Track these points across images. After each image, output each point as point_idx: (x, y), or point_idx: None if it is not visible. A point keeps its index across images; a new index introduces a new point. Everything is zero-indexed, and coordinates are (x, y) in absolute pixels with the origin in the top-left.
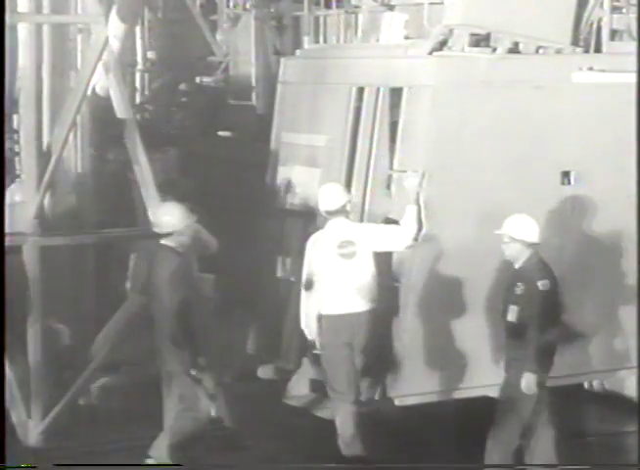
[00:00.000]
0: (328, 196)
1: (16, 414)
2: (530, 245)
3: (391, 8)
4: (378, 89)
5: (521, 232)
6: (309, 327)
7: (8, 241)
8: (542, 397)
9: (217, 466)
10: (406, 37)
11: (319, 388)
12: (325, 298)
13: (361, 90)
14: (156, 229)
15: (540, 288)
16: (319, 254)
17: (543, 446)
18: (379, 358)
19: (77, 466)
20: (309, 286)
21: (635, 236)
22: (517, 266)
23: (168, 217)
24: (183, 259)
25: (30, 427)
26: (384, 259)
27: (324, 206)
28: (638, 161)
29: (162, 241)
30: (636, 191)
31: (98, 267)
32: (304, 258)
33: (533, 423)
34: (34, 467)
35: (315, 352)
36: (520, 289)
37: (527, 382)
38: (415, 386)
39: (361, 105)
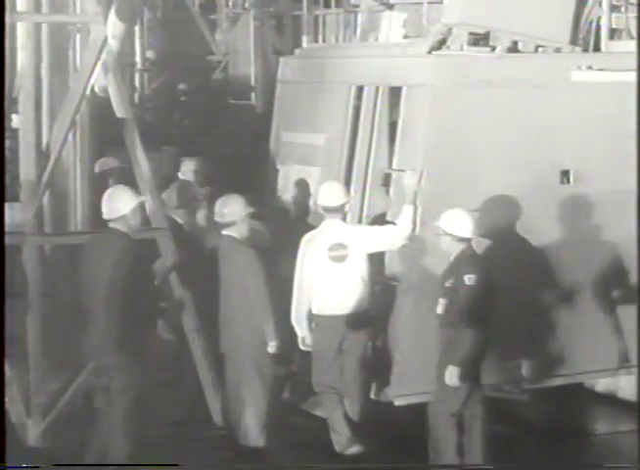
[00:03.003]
0: (329, 192)
1: (15, 414)
2: (462, 239)
3: (390, 7)
4: (377, 88)
5: (453, 226)
6: (299, 324)
7: (8, 240)
8: (474, 391)
9: (217, 466)
10: (405, 36)
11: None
12: (315, 298)
13: (360, 89)
14: (218, 219)
15: (466, 282)
16: (311, 254)
17: (473, 443)
18: (375, 357)
19: (77, 466)
20: (300, 284)
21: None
22: (451, 259)
23: (227, 209)
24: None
25: (30, 427)
26: (378, 259)
27: (323, 201)
28: (638, 160)
29: (224, 232)
30: (636, 190)
31: None
32: (297, 256)
33: (466, 418)
34: (34, 467)
35: (305, 348)
36: (449, 282)
37: (450, 374)
38: (414, 385)
39: (360, 104)
